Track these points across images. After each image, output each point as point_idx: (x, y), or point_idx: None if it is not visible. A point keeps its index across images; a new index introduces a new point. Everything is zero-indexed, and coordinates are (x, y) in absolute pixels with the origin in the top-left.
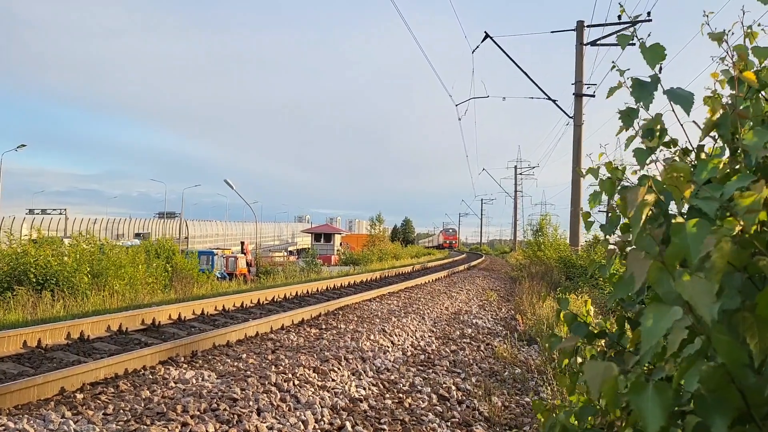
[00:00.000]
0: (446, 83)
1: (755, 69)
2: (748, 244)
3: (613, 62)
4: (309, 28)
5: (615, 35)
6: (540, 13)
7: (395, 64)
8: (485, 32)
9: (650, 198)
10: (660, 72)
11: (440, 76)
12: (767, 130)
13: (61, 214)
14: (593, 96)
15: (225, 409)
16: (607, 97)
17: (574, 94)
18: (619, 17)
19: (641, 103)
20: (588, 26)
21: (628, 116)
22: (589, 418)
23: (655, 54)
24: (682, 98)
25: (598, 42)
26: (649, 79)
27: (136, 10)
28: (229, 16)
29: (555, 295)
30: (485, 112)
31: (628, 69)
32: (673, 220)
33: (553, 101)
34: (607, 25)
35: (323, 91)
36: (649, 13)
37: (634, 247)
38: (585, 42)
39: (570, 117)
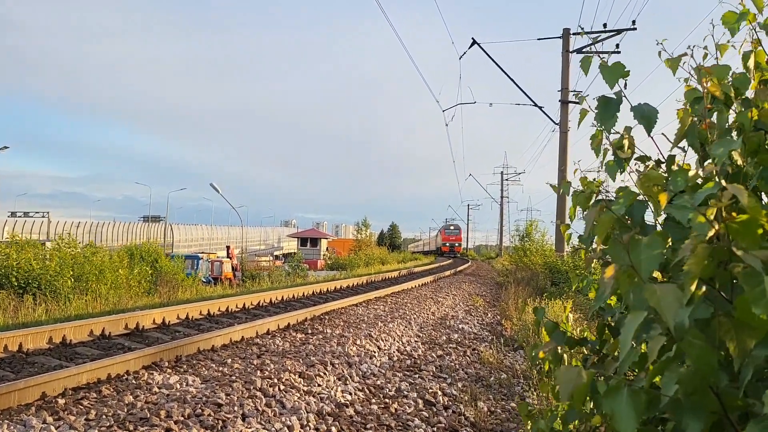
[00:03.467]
0: (433, 89)
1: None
2: (721, 253)
3: (577, 92)
4: (298, 33)
5: (601, 42)
6: (527, 21)
7: (383, 69)
8: (472, 38)
9: (607, 218)
10: (625, 87)
11: (427, 81)
12: (730, 140)
13: (43, 217)
14: (579, 103)
15: (209, 415)
16: (578, 127)
17: (560, 101)
18: (605, 26)
19: (604, 125)
20: (574, 34)
21: (596, 138)
22: (575, 422)
23: (614, 73)
24: (645, 117)
25: (584, 50)
26: (615, 96)
27: (133, 11)
28: (221, 19)
29: (540, 300)
30: (472, 118)
31: (588, 95)
32: (631, 235)
33: (540, 108)
34: (593, 32)
35: (311, 95)
36: (633, 22)
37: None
38: (571, 49)
39: (556, 123)
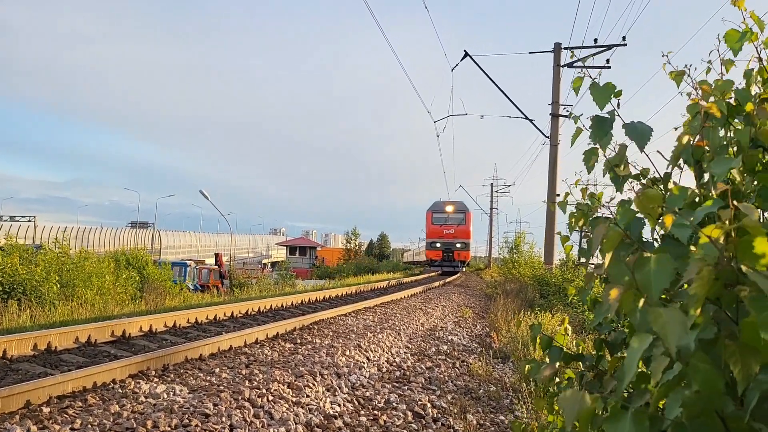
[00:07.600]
0: (425, 100)
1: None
2: (728, 275)
3: (570, 112)
4: (290, 41)
5: (592, 57)
6: (519, 35)
7: (374, 79)
8: (465, 51)
9: (615, 234)
10: (618, 107)
11: (419, 92)
12: (730, 159)
13: (29, 221)
14: (569, 116)
15: (197, 425)
16: (571, 146)
17: (550, 114)
18: (596, 41)
19: (598, 143)
20: (565, 48)
21: (590, 156)
22: None
23: (604, 93)
24: (638, 134)
25: (575, 64)
26: (608, 115)
27: (122, 16)
28: (212, 26)
29: (530, 313)
30: (463, 129)
31: (582, 114)
32: (644, 253)
33: (530, 120)
34: (584, 47)
35: (301, 103)
36: (624, 38)
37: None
38: (562, 63)
39: (546, 136)
